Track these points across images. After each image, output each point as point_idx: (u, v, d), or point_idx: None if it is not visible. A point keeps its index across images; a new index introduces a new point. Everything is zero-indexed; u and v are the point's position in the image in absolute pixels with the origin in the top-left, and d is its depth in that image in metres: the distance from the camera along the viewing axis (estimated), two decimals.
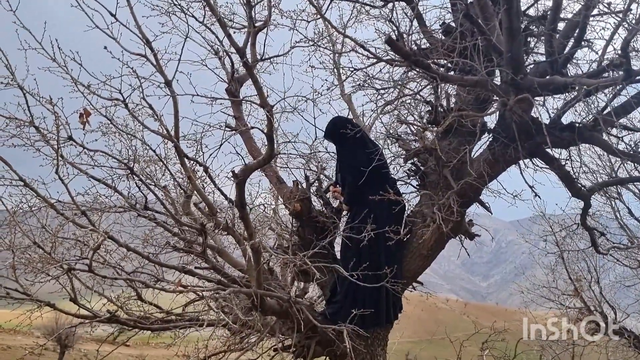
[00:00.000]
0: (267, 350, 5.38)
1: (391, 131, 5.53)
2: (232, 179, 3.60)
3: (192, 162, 4.12)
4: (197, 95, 3.97)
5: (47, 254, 3.78)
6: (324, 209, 5.27)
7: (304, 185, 5.33)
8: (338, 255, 5.13)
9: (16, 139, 3.89)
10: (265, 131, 3.58)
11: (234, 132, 5.40)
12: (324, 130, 5.20)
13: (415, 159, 5.07)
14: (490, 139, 4.67)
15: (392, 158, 5.33)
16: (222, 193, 3.82)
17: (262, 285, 3.95)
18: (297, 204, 5.02)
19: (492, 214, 4.92)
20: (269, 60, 5.50)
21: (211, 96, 5.00)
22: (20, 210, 4.09)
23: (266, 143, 3.64)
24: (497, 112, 4.49)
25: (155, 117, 3.92)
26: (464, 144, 4.80)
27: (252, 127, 4.55)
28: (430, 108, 4.97)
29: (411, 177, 5.19)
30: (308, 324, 4.47)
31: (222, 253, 4.61)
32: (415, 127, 4.92)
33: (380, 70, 5.11)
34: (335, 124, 5.12)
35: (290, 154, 5.92)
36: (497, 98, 4.49)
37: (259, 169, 4.25)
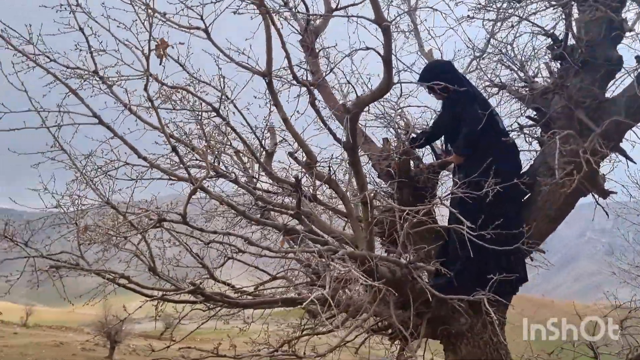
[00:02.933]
0: (358, 330, 4.65)
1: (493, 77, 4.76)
2: (343, 113, 2.90)
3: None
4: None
5: (122, 214, 3.17)
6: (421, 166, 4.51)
7: (394, 142, 4.59)
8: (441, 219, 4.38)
9: None
10: (382, 54, 2.87)
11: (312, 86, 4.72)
12: (420, 75, 4.45)
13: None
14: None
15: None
16: (331, 132, 3.07)
17: (374, 247, 3.24)
18: (395, 162, 4.30)
19: (635, 163, 4.08)
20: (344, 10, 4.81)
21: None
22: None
23: (384, 71, 2.92)
24: None
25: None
26: (597, 82, 4.00)
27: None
28: (552, 40, 4.18)
29: (527, 126, 4.41)
30: (420, 297, 3.76)
31: (313, 218, 3.93)
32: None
33: None
34: (434, 69, 4.39)
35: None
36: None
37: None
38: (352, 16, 3.45)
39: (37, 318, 33.65)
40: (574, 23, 4.22)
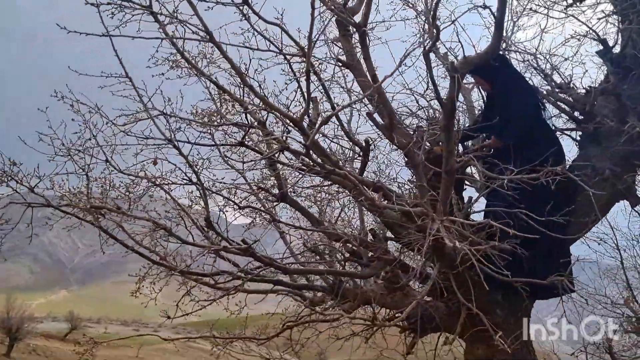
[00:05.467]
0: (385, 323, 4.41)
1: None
2: (450, 71, 2.71)
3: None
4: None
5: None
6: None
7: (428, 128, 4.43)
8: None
9: None
10: (496, 14, 2.73)
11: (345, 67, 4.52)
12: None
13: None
14: None
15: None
16: (437, 92, 2.82)
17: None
18: (438, 147, 4.15)
19: None
20: None
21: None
22: None
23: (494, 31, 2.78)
24: None
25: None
26: None
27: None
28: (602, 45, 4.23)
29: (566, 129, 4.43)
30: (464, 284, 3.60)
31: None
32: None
33: None
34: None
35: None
36: None
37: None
38: None
39: None
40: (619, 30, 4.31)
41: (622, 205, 4.52)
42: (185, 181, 3.68)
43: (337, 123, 3.57)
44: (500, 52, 4.46)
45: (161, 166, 4.10)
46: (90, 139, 4.00)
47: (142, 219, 3.69)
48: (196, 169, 3.51)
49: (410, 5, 4.90)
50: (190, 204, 4.45)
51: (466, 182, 4.61)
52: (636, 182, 4.31)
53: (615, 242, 6.33)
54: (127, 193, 4.13)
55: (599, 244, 5.74)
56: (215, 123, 3.89)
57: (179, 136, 3.90)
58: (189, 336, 6.55)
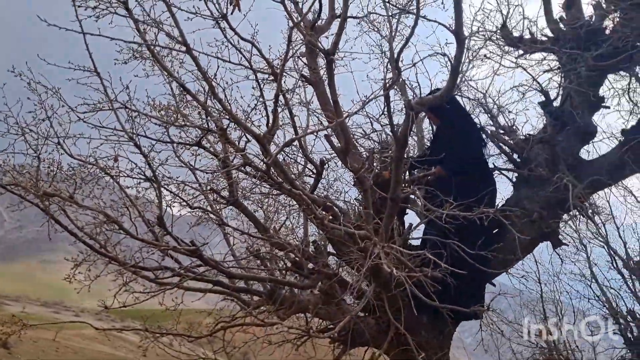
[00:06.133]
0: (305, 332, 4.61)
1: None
2: (406, 108, 2.95)
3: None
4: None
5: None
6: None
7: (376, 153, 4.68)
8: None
9: None
10: (452, 62, 2.99)
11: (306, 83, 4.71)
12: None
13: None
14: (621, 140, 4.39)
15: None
16: (391, 125, 3.01)
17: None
18: (386, 172, 4.39)
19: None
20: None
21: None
22: None
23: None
24: None
25: None
26: (576, 144, 4.50)
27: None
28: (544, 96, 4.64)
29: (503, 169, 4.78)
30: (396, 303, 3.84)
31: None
32: None
33: None
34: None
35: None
36: None
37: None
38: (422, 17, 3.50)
39: None
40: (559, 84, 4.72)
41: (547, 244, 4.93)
42: (140, 176, 3.73)
43: (297, 145, 3.73)
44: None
45: (123, 163, 4.13)
46: (44, 120, 3.98)
47: (94, 210, 3.70)
48: (153, 167, 3.57)
49: (376, 30, 5.17)
50: (137, 195, 4.49)
51: (408, 208, 4.89)
52: (560, 227, 4.70)
53: (538, 276, 6.85)
54: (74, 177, 4.12)
55: (523, 276, 6.22)
56: (177, 123, 3.96)
57: (137, 130, 3.95)
58: (122, 327, 6.49)
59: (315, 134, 3.53)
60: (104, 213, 3.51)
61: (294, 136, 3.49)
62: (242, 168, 3.40)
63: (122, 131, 3.50)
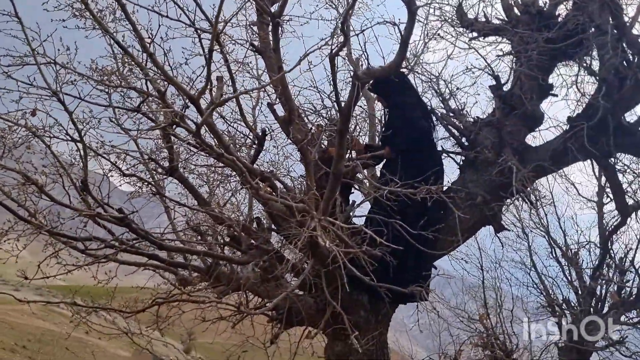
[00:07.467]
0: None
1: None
2: (352, 79, 2.82)
3: None
4: None
5: None
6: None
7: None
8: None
9: None
10: (403, 33, 2.88)
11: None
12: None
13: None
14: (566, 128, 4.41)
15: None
16: (337, 95, 2.85)
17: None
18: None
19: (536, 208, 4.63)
20: None
21: None
22: None
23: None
24: None
25: None
26: (523, 130, 4.51)
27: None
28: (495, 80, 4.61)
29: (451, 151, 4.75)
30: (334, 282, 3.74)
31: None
32: None
33: None
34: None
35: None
36: None
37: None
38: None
39: None
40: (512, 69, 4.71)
41: (489, 229, 4.96)
42: (67, 137, 3.47)
43: (237, 107, 3.55)
44: (405, 70, 4.70)
45: (45, 118, 3.84)
46: None
47: (13, 170, 3.43)
48: (80, 127, 3.32)
49: (333, 6, 5.02)
50: (72, 162, 4.22)
51: (355, 187, 4.80)
52: (503, 213, 4.72)
53: (480, 262, 6.95)
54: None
55: (466, 262, 6.30)
56: (114, 84, 3.70)
57: (71, 90, 3.67)
58: (48, 300, 6.18)
59: (250, 94, 3.35)
60: (23, 174, 3.24)
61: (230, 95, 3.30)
62: (171, 129, 3.19)
63: (47, 88, 3.22)
